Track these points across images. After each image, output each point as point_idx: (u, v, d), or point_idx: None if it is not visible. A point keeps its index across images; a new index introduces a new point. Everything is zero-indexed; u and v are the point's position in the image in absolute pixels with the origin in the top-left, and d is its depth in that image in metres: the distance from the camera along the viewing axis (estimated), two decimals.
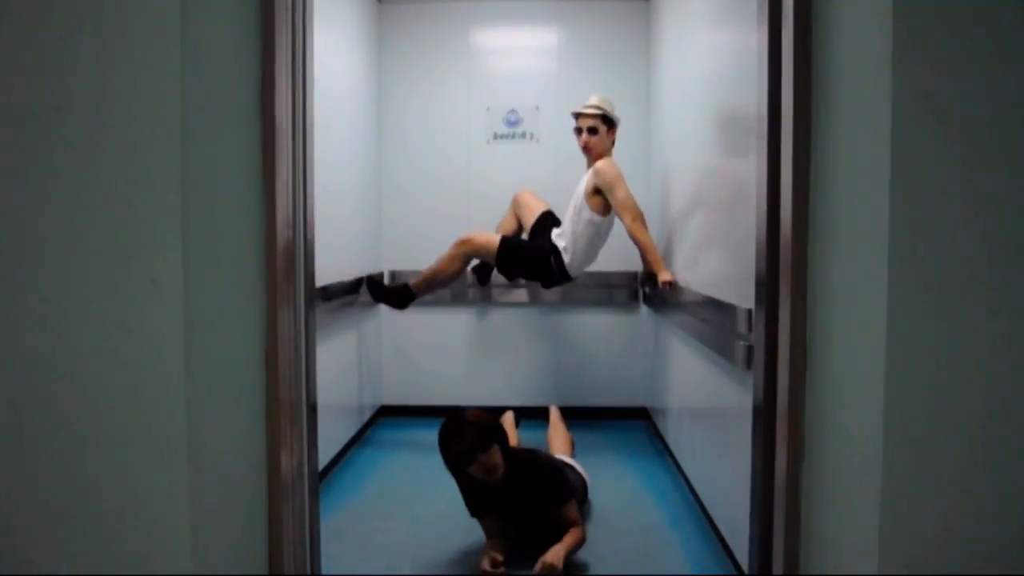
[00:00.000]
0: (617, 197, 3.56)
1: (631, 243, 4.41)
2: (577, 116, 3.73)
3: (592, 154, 3.71)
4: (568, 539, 2.55)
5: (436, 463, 3.67)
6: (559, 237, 3.73)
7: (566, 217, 3.72)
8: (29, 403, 1.44)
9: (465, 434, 2.55)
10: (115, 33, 1.40)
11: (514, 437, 3.63)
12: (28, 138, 1.41)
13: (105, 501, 1.45)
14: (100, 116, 1.40)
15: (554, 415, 3.88)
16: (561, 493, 2.68)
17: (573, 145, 4.40)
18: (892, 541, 1.36)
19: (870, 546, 1.38)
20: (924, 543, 1.37)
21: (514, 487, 2.64)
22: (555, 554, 2.45)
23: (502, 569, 2.46)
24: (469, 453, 2.53)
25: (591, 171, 3.67)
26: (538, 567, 2.41)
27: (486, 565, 2.45)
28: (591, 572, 2.54)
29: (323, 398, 2.12)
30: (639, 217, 3.56)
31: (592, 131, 3.68)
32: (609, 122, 3.70)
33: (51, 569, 1.47)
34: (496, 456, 2.55)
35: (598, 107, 3.67)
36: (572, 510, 2.67)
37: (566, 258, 3.69)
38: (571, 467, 3.00)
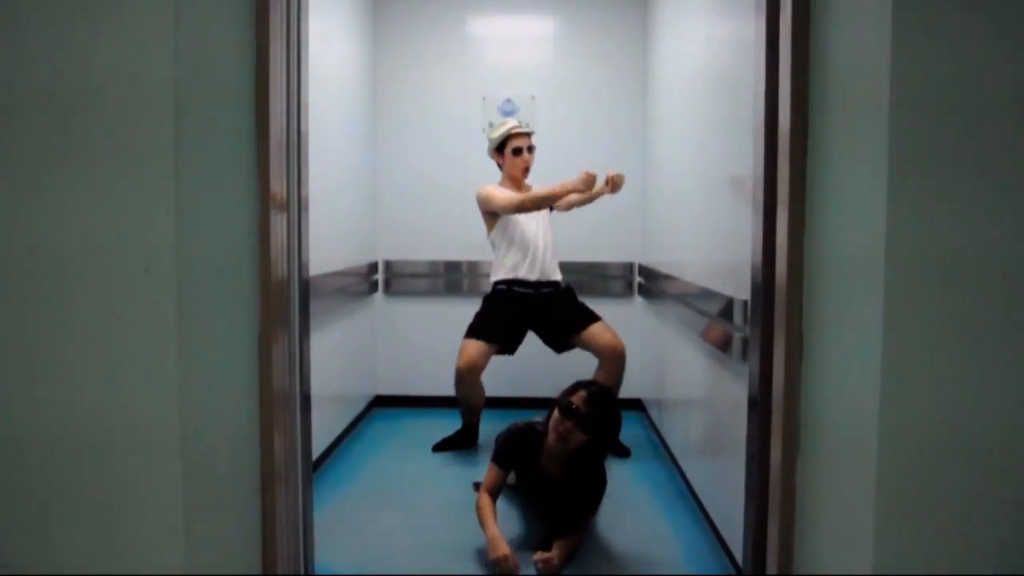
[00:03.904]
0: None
1: (624, 234, 4.43)
2: (516, 136, 3.74)
3: (528, 173, 3.80)
4: (572, 541, 2.57)
5: (430, 453, 3.71)
6: (557, 270, 3.76)
7: (541, 242, 3.71)
8: (18, 390, 1.42)
9: (593, 405, 2.58)
10: (108, 18, 1.38)
11: None
12: (19, 126, 1.39)
13: (95, 490, 1.44)
14: (92, 103, 1.38)
15: None
16: (597, 504, 2.76)
17: (569, 135, 4.41)
18: (887, 538, 1.36)
19: (865, 543, 1.38)
20: (919, 541, 1.36)
21: (564, 473, 2.67)
22: (560, 554, 2.46)
23: (515, 565, 2.43)
24: (573, 413, 2.56)
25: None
26: (542, 561, 2.42)
27: (500, 553, 2.43)
28: (585, 564, 2.54)
29: (316, 388, 2.11)
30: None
31: (531, 149, 3.77)
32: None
33: (38, 567, 1.46)
34: (578, 441, 2.59)
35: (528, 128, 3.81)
36: (589, 520, 2.75)
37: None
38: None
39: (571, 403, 2.59)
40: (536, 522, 2.84)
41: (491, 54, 4.49)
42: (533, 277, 3.67)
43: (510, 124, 3.75)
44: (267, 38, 1.74)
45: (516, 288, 3.67)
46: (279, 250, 1.82)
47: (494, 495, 2.69)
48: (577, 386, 2.68)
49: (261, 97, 1.75)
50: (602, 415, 2.60)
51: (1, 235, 1.41)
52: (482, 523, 2.58)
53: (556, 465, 2.68)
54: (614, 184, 3.51)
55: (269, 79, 1.75)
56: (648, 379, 4.24)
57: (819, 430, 1.62)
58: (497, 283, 3.73)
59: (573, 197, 3.67)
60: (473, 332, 3.68)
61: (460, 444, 3.81)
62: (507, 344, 3.75)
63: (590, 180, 3.35)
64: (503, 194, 3.61)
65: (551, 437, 2.61)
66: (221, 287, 1.61)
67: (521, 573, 2.42)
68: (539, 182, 3.85)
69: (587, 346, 3.68)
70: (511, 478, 3.04)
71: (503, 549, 2.44)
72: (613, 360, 3.61)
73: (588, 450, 2.65)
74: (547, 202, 3.54)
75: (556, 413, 2.61)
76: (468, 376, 3.62)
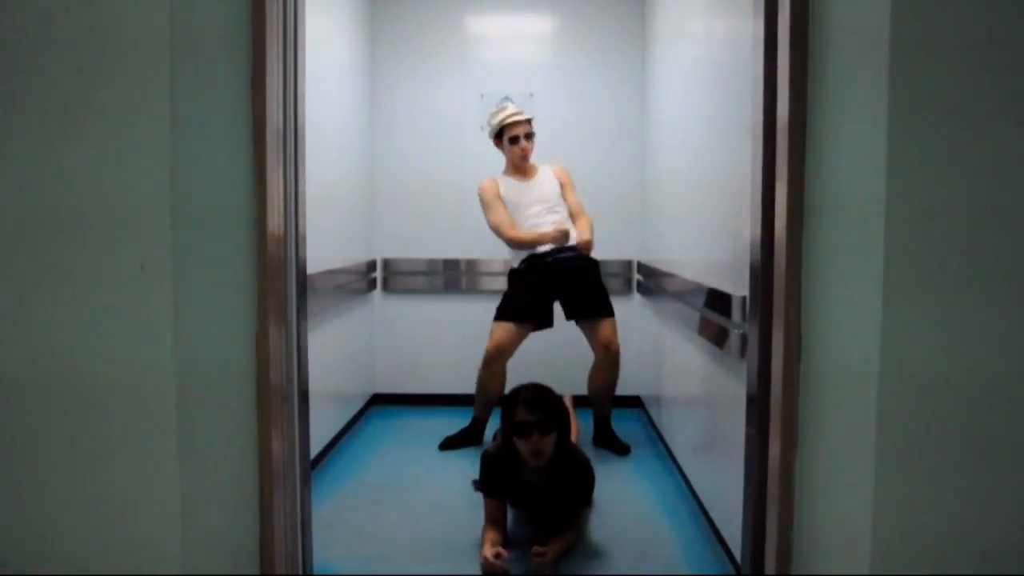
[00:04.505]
0: (575, 197, 3.84)
1: (623, 231, 4.43)
2: (512, 125, 3.75)
3: (528, 159, 3.80)
4: (567, 538, 2.57)
5: (429, 451, 3.71)
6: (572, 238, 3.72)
7: (549, 226, 3.69)
8: (14, 388, 1.42)
9: (535, 408, 2.57)
10: (103, 16, 1.37)
11: (573, 422, 3.60)
12: (15, 123, 1.39)
13: (94, 489, 1.44)
14: (89, 100, 1.38)
15: (566, 402, 3.88)
16: (587, 498, 2.74)
17: (566, 132, 4.40)
18: (884, 536, 1.36)
19: (863, 541, 1.38)
20: (917, 540, 1.36)
21: (549, 478, 2.65)
22: (552, 550, 2.45)
23: (505, 560, 2.43)
24: (528, 427, 2.54)
25: (556, 171, 3.88)
26: (538, 554, 2.42)
27: (489, 555, 2.43)
28: (583, 563, 2.54)
29: (315, 386, 2.11)
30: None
31: (529, 136, 3.76)
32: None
33: (37, 566, 1.45)
34: (550, 444, 2.57)
35: (522, 114, 3.77)
36: (583, 514, 2.74)
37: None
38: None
39: (519, 422, 2.56)
40: (531, 525, 2.83)
41: (489, 52, 4.48)
42: (543, 249, 3.67)
43: (508, 111, 3.75)
44: (263, 35, 1.74)
45: (534, 261, 3.68)
46: (277, 248, 1.81)
47: (499, 521, 2.65)
48: (511, 405, 2.64)
49: (258, 95, 1.74)
50: (548, 407, 2.59)
51: None
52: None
53: (539, 477, 2.66)
54: (583, 247, 3.62)
55: (266, 75, 1.74)
56: (647, 376, 4.24)
57: (818, 427, 1.62)
58: (514, 268, 3.78)
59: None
60: (500, 314, 3.70)
61: (467, 441, 3.80)
62: (539, 319, 3.73)
63: (561, 237, 3.58)
64: (497, 215, 3.72)
65: (529, 462, 2.59)
66: (218, 285, 1.61)
67: (514, 573, 2.42)
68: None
69: (587, 333, 3.71)
70: None
71: (486, 552, 2.45)
72: (606, 357, 3.64)
73: (561, 447, 2.63)
74: (525, 245, 3.66)
75: (519, 443, 2.58)
76: (497, 358, 3.64)
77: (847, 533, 1.46)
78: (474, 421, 3.84)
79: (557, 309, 3.78)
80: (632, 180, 4.44)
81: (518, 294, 3.72)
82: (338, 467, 3.45)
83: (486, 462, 2.70)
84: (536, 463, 2.58)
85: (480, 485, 2.70)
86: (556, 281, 3.67)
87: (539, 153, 4.00)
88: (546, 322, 3.76)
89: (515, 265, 3.77)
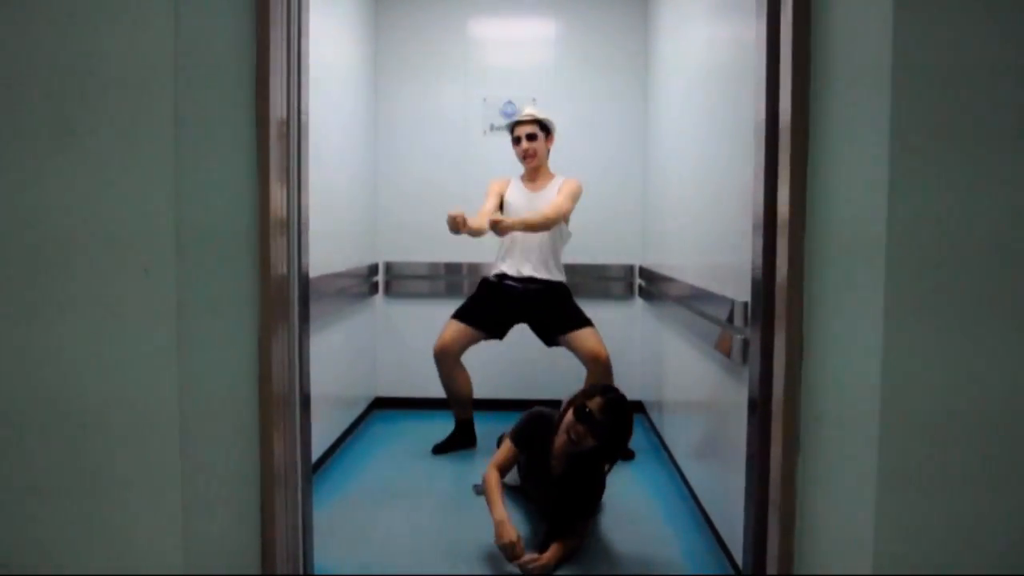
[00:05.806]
0: (559, 200, 3.64)
1: (625, 236, 4.43)
2: (514, 127, 3.75)
3: (534, 161, 3.74)
4: (568, 544, 2.57)
5: (430, 455, 3.71)
6: (548, 270, 3.69)
7: (532, 241, 3.66)
8: (17, 390, 1.42)
9: (611, 414, 2.55)
10: (109, 15, 1.38)
11: None
12: (19, 124, 1.39)
13: (95, 491, 1.44)
14: (93, 102, 1.39)
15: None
16: (594, 509, 2.76)
17: (570, 137, 4.40)
18: (887, 539, 1.36)
19: (865, 544, 1.38)
20: (919, 542, 1.36)
21: (563, 473, 2.67)
22: (549, 557, 2.46)
23: (520, 546, 2.45)
24: (590, 420, 2.53)
25: (563, 183, 3.73)
26: (528, 560, 2.42)
27: (507, 543, 2.44)
28: (586, 565, 2.54)
29: (317, 390, 2.11)
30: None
31: (531, 137, 3.72)
32: (546, 129, 3.75)
33: (37, 567, 1.45)
34: (589, 446, 2.56)
35: (532, 114, 3.74)
36: (588, 525, 2.75)
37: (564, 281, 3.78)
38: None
39: (587, 407, 2.55)
40: (537, 521, 2.83)
41: (492, 56, 4.49)
42: (517, 273, 3.68)
43: (523, 112, 3.77)
44: (267, 34, 1.74)
45: (505, 281, 3.70)
46: (279, 251, 1.82)
47: (503, 472, 2.69)
48: (595, 391, 2.64)
49: (261, 98, 1.75)
50: (615, 424, 2.56)
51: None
52: (490, 504, 2.59)
53: (560, 463, 2.67)
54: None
55: (269, 79, 1.75)
56: (648, 381, 4.23)
57: (820, 431, 1.62)
58: (487, 277, 3.81)
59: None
60: (456, 314, 3.74)
61: (459, 444, 3.80)
62: (491, 330, 3.74)
63: (450, 222, 3.31)
64: (487, 205, 3.72)
65: (561, 439, 2.59)
66: (221, 288, 1.61)
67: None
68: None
69: (571, 349, 3.67)
70: (514, 479, 3.04)
71: (511, 535, 2.45)
72: (596, 368, 3.59)
73: (593, 455, 2.62)
74: (472, 233, 3.51)
75: (570, 415, 2.58)
76: (441, 357, 3.66)
77: (849, 536, 1.46)
78: (458, 424, 3.84)
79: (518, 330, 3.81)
80: (634, 184, 4.44)
81: (479, 301, 3.74)
82: (340, 470, 3.45)
83: (533, 415, 2.76)
84: (563, 448, 2.59)
85: (513, 430, 2.77)
86: (524, 306, 3.68)
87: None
88: (498, 334, 3.78)
89: (489, 276, 3.79)
